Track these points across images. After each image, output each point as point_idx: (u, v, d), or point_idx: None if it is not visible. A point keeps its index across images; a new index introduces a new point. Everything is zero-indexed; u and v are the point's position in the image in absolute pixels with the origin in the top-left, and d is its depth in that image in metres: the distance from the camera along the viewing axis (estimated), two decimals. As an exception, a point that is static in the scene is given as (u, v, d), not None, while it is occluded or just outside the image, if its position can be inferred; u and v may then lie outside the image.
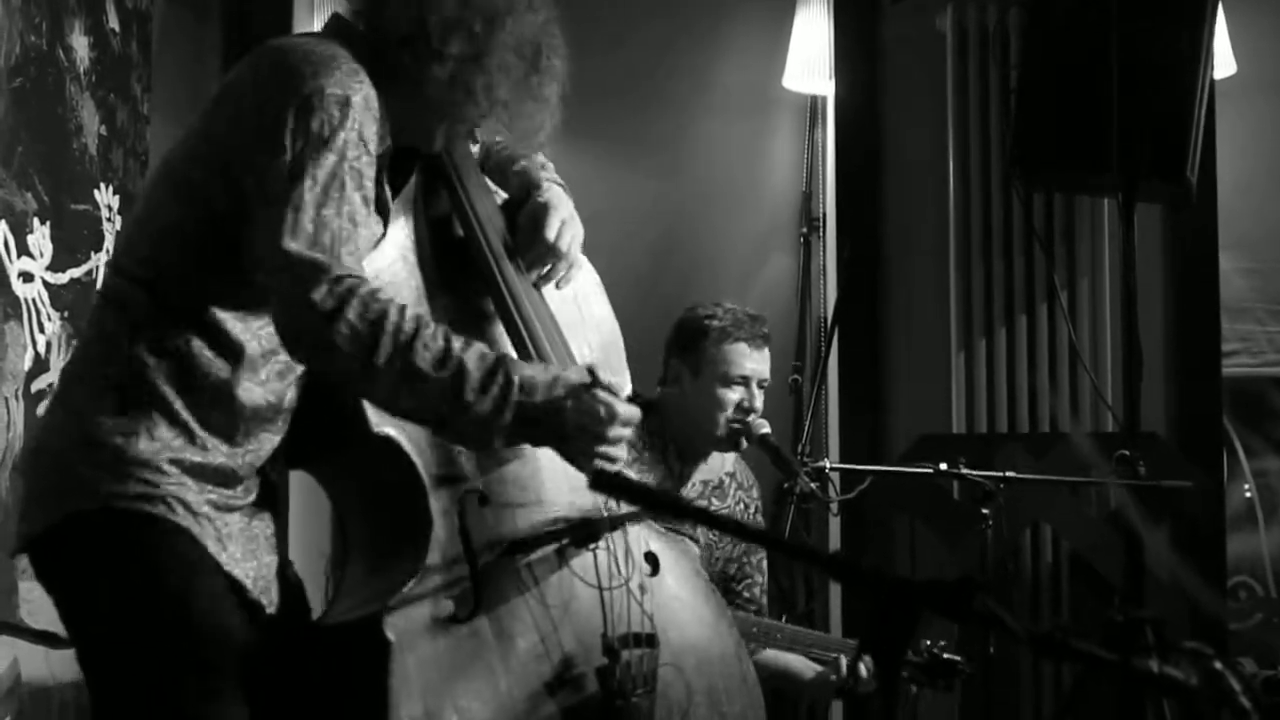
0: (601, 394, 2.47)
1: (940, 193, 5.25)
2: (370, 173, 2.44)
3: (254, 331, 2.48)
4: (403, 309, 2.37)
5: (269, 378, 2.50)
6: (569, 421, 2.44)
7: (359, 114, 2.39)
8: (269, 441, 2.54)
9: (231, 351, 2.47)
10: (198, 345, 2.45)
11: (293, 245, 2.33)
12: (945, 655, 3.92)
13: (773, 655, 3.94)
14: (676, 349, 4.12)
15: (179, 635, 2.39)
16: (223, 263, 2.44)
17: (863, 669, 3.87)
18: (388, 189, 2.58)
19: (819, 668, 3.95)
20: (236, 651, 2.42)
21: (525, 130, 2.64)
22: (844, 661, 3.91)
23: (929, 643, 3.92)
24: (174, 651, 2.39)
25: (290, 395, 2.55)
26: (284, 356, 2.49)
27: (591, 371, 2.49)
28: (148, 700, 2.39)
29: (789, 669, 3.97)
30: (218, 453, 2.46)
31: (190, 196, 2.47)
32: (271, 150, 2.37)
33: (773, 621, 4.02)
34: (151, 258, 2.49)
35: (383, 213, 2.57)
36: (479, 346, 2.42)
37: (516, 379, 2.40)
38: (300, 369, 2.54)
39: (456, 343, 2.39)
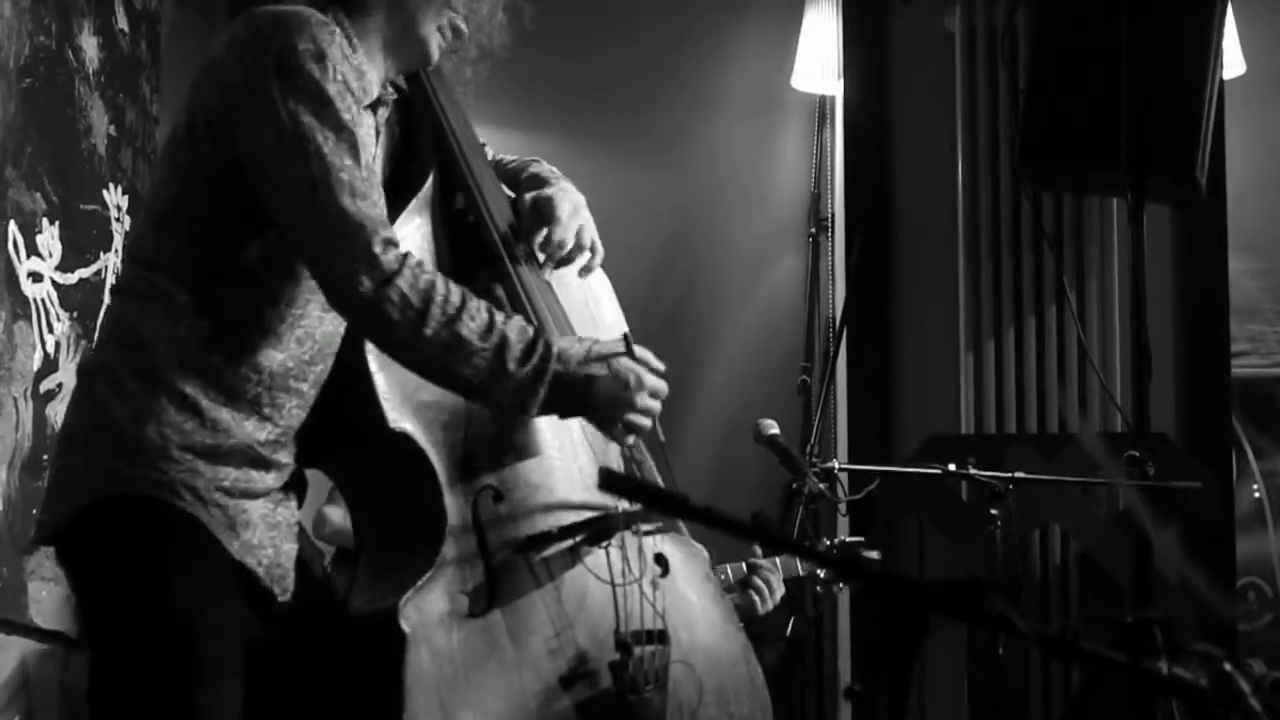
0: (631, 363, 2.57)
1: (949, 193, 5.25)
2: (363, 119, 2.48)
3: (268, 298, 2.50)
4: (447, 280, 2.45)
5: (289, 343, 2.52)
6: (601, 389, 2.53)
7: (338, 64, 2.44)
8: (296, 415, 2.55)
9: (245, 321, 2.49)
10: (210, 319, 2.47)
11: (329, 200, 2.39)
12: (864, 553, 3.83)
13: None
14: None
15: (173, 621, 2.41)
16: (225, 229, 2.48)
17: (758, 580, 3.68)
18: (380, 150, 2.62)
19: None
20: (235, 640, 2.45)
21: (492, 11, 2.71)
22: (729, 569, 3.76)
23: (845, 539, 3.86)
24: (166, 637, 2.41)
25: (314, 369, 2.56)
26: (304, 321, 2.52)
27: (626, 339, 2.59)
28: (137, 686, 2.41)
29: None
30: (235, 432, 2.47)
31: (187, 168, 2.50)
32: (263, 110, 2.41)
33: None
34: (158, 238, 2.52)
35: (404, 185, 2.60)
36: (518, 319, 2.52)
37: (555, 349, 2.49)
38: (321, 337, 2.56)
39: (499, 315, 2.48)
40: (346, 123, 2.42)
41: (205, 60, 2.54)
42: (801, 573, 3.74)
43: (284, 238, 2.47)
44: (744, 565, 3.64)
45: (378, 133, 2.62)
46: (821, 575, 3.78)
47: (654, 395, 2.60)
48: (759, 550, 3.69)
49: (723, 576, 3.62)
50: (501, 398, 2.49)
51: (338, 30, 2.48)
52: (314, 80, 2.41)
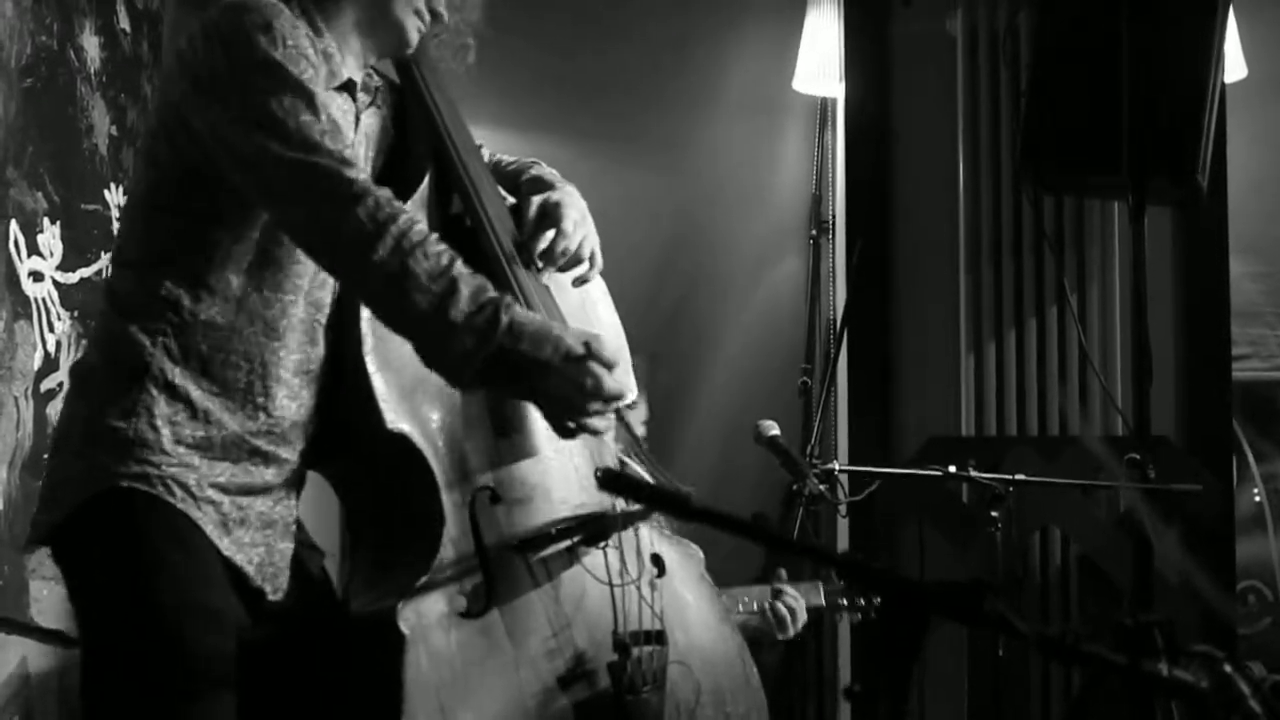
0: (592, 366, 2.42)
1: (950, 195, 5.25)
2: (332, 97, 2.49)
3: (254, 287, 2.51)
4: (415, 219, 2.39)
5: (278, 332, 2.53)
6: (553, 385, 2.41)
7: (286, 35, 2.44)
8: (290, 407, 2.55)
9: (232, 310, 2.49)
10: (195, 310, 2.48)
11: (289, 153, 2.38)
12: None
13: None
14: None
15: (163, 618, 2.41)
16: (204, 217, 2.49)
17: (782, 607, 3.70)
18: (371, 142, 2.64)
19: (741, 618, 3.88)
20: (227, 637, 2.44)
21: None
22: (765, 606, 3.79)
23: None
24: (157, 634, 2.41)
25: (303, 359, 2.56)
26: (292, 310, 2.53)
27: (588, 344, 2.44)
28: (129, 684, 2.41)
29: None
30: (227, 423, 2.48)
31: (161, 165, 2.52)
32: (217, 85, 2.42)
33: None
34: (139, 235, 2.54)
35: (399, 186, 2.60)
36: (482, 279, 2.41)
37: (506, 318, 2.38)
38: (312, 326, 2.56)
39: (461, 267, 2.39)
40: (302, 81, 2.41)
41: (169, 59, 2.57)
42: (824, 603, 3.74)
43: (260, 207, 2.46)
44: (769, 590, 3.64)
45: (357, 118, 2.63)
46: (843, 603, 3.77)
47: (610, 401, 2.46)
48: (784, 574, 3.69)
49: (744, 600, 3.63)
50: (441, 352, 2.39)
51: (285, 10, 2.48)
52: (261, 49, 2.41)
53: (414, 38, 2.65)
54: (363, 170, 2.45)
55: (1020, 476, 3.96)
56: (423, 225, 2.41)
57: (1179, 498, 3.99)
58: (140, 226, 2.54)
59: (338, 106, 2.53)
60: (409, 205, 2.67)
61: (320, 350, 2.60)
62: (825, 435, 5.16)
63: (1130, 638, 3.39)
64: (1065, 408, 5.12)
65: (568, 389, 2.41)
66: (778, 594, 3.62)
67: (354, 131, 2.61)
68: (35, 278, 3.91)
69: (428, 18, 2.64)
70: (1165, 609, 3.66)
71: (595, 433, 2.51)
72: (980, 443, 5.05)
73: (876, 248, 5.27)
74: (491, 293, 2.40)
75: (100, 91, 4.25)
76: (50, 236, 3.98)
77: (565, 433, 2.50)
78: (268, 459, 2.53)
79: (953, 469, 3.95)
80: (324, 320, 2.60)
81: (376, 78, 2.71)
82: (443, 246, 2.40)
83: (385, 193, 2.40)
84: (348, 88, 2.60)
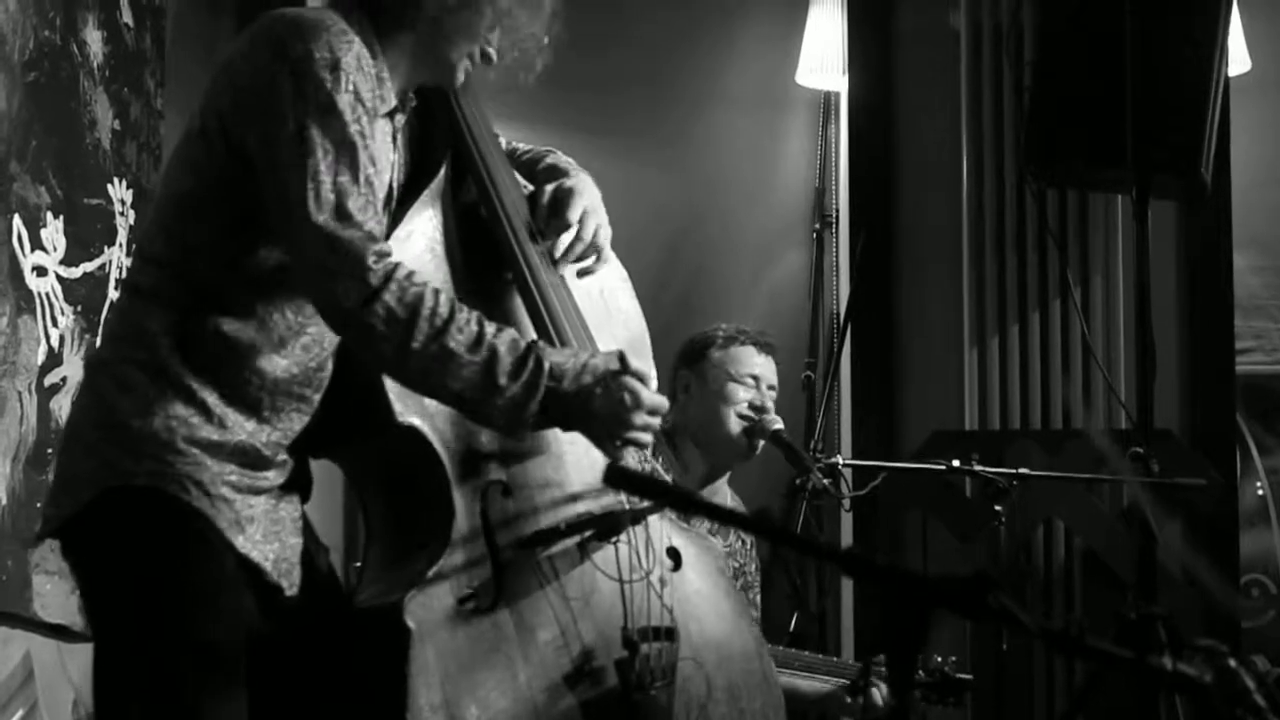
0: (629, 381, 2.52)
1: (954, 189, 5.25)
2: (372, 130, 2.47)
3: (275, 303, 2.50)
4: (436, 292, 2.43)
5: (294, 350, 2.52)
6: (596, 408, 2.50)
7: (352, 75, 2.42)
8: (297, 420, 2.55)
9: (251, 324, 2.49)
10: (216, 320, 2.47)
11: (320, 217, 2.38)
12: (957, 674, 3.87)
13: (784, 680, 3.87)
14: (684, 360, 4.11)
15: (179, 614, 2.41)
16: (235, 229, 2.48)
17: (876, 694, 3.82)
18: (400, 149, 2.63)
19: (828, 688, 3.92)
20: (239, 633, 2.45)
21: (527, 41, 2.67)
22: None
23: (940, 659, 3.88)
24: (170, 630, 2.41)
25: (320, 375, 2.56)
26: (311, 329, 2.52)
27: (621, 358, 2.55)
28: (142, 679, 2.42)
29: (798, 691, 3.93)
30: (239, 430, 2.47)
31: (198, 167, 2.50)
32: (273, 117, 2.41)
33: (790, 650, 3.98)
34: (168, 234, 2.52)
35: (420, 177, 2.60)
36: (510, 332, 2.49)
37: (547, 365, 2.46)
38: (330, 344, 2.56)
39: (489, 328, 2.45)
40: (352, 135, 2.41)
41: (223, 59, 2.54)
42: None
43: (280, 245, 2.47)
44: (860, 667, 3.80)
45: (395, 135, 2.62)
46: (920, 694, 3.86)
47: (653, 412, 2.56)
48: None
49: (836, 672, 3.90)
50: (494, 413, 2.47)
51: (356, 40, 2.46)
52: (325, 90, 2.40)
53: (461, 79, 2.64)
54: (380, 241, 2.43)
55: (1024, 470, 3.96)
56: (435, 288, 2.43)
57: (1183, 491, 3.99)
58: (167, 228, 2.53)
59: (381, 130, 2.51)
60: (425, 195, 2.67)
61: (332, 367, 2.59)
62: (829, 429, 5.16)
63: (1134, 631, 3.38)
64: (1069, 401, 5.12)
65: (612, 407, 2.50)
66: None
67: (393, 152, 2.60)
68: (39, 272, 3.91)
69: (479, 59, 2.63)
70: (1169, 603, 3.66)
71: (642, 446, 2.57)
72: (984, 436, 5.05)
73: (880, 242, 5.27)
74: (523, 342, 2.47)
75: (103, 86, 4.24)
76: (53, 231, 3.98)
77: (613, 453, 2.57)
78: (269, 464, 2.53)
79: (956, 463, 3.95)
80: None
81: (412, 95, 2.68)
82: (464, 308, 2.44)
83: (403, 267, 2.42)
84: (390, 111, 2.58)
